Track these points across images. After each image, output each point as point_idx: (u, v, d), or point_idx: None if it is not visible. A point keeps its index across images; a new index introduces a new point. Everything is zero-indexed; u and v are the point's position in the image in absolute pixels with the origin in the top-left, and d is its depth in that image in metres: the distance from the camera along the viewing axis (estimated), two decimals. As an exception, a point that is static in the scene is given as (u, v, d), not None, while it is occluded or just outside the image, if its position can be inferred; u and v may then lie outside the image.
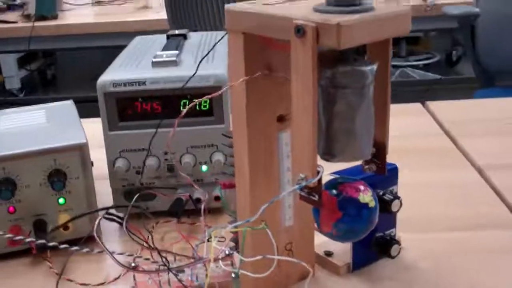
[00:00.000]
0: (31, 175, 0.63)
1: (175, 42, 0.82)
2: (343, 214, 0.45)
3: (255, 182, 0.49)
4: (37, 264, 0.64)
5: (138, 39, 0.89)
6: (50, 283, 0.60)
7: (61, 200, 0.65)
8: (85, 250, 0.55)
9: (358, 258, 0.54)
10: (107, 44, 2.67)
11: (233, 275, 0.55)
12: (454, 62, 3.87)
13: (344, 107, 0.42)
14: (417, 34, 3.85)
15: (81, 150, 0.64)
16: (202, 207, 0.64)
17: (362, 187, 0.45)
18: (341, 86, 0.41)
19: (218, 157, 0.69)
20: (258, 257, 0.45)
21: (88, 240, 0.66)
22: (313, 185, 0.42)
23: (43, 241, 0.57)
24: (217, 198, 0.70)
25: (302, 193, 0.43)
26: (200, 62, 0.62)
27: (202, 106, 0.69)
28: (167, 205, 0.71)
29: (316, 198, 0.42)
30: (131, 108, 0.68)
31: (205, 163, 0.70)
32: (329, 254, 0.57)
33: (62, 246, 0.56)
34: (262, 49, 0.47)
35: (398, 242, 0.54)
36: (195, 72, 0.63)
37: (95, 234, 0.53)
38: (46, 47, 2.95)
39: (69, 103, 0.79)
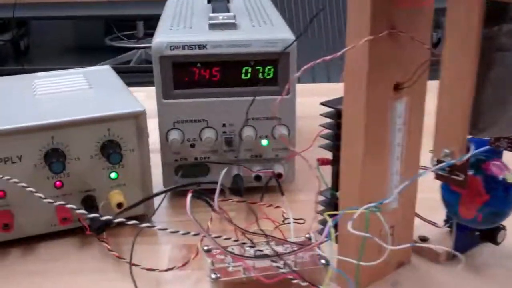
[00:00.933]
0: (82, 146, 0.57)
1: (222, 4, 0.75)
2: (490, 196, 0.39)
3: (367, 159, 0.44)
4: (88, 245, 0.57)
5: (172, 2, 0.82)
6: (108, 266, 0.54)
7: (113, 175, 0.59)
8: (157, 227, 0.49)
9: (459, 244, 0.49)
10: (82, 14, 2.54)
11: (323, 261, 0.49)
12: None
13: (502, 72, 0.36)
14: None
15: (138, 119, 0.58)
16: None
17: (502, 165, 0.40)
18: (502, 48, 0.36)
19: (282, 130, 0.63)
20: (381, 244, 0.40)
21: (139, 219, 0.60)
22: (460, 162, 0.37)
23: (109, 217, 0.50)
24: (279, 175, 0.64)
25: (441, 172, 0.38)
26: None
27: (265, 74, 0.62)
28: (225, 181, 0.65)
29: (461, 177, 0.37)
30: (188, 74, 0.62)
31: (266, 137, 0.64)
32: (424, 239, 0.52)
33: (131, 222, 0.49)
34: (389, 5, 0.41)
35: (504, 227, 0.50)
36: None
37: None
38: (19, 15, 2.81)
39: (108, 68, 0.72)
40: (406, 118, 0.45)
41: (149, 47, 3.40)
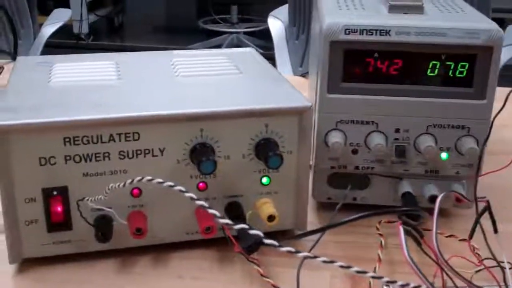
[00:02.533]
0: (234, 143, 0.47)
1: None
2: None
3: None
4: (229, 262, 0.48)
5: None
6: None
7: (265, 180, 0.49)
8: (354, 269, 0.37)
9: None
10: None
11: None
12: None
13: None
14: None
15: (303, 115, 0.47)
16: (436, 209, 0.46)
17: None
18: None
19: (470, 143, 0.51)
20: None
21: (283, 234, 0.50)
22: None
23: (273, 241, 0.39)
24: (458, 199, 0.52)
25: None
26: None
27: (457, 72, 0.50)
28: (384, 198, 0.54)
29: None
30: (362, 65, 0.51)
31: (448, 149, 0.52)
32: None
33: (301, 254, 0.38)
34: None
35: None
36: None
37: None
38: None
39: (253, 52, 0.62)
40: None
41: (240, 33, 3.35)
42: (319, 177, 0.54)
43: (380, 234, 0.50)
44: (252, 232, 0.42)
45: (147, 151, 0.45)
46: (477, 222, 0.41)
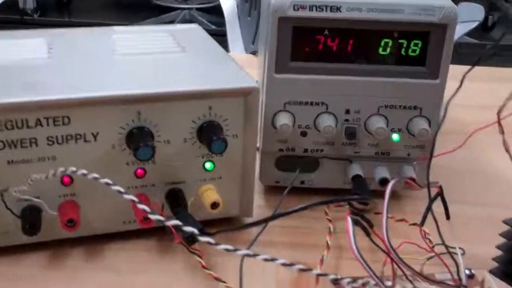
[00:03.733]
0: (174, 127, 0.43)
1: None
2: None
3: None
4: (171, 253, 0.45)
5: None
6: (201, 286, 0.41)
7: (208, 165, 0.46)
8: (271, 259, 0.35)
9: None
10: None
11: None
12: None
13: None
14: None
15: (249, 97, 0.44)
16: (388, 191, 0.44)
17: None
18: None
19: (422, 124, 0.49)
20: None
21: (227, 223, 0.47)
22: None
23: (209, 239, 0.36)
24: (412, 179, 0.50)
25: None
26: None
27: (410, 51, 0.48)
28: (334, 181, 0.52)
29: None
30: (311, 44, 0.48)
31: (399, 130, 0.50)
32: None
33: (242, 252, 0.35)
34: None
35: None
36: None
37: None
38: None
39: (198, 28, 0.58)
40: None
41: (193, 9, 3.29)
42: (266, 160, 0.52)
43: (329, 220, 0.48)
44: (185, 228, 0.38)
45: (78, 136, 0.41)
46: (428, 209, 0.39)
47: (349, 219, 0.32)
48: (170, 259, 0.44)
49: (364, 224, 0.33)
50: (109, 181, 0.38)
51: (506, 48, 2.75)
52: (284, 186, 0.50)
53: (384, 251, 0.33)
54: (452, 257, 0.39)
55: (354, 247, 0.30)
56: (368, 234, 0.34)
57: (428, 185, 0.38)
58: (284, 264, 0.34)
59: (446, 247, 0.40)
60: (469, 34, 2.95)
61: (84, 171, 0.38)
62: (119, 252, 0.45)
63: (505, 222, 0.37)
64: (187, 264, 0.43)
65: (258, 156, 0.52)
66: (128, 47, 0.51)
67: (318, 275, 0.34)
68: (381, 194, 0.51)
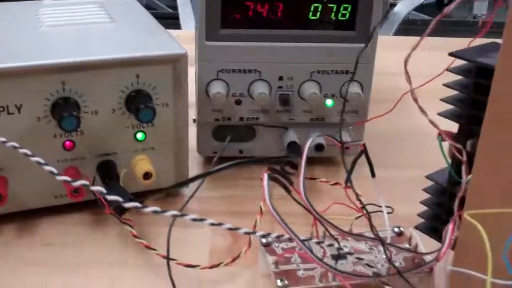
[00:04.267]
0: (101, 96, 0.43)
1: None
2: None
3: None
4: (103, 226, 0.44)
5: None
6: (130, 257, 0.41)
7: (139, 135, 0.45)
8: (200, 219, 0.35)
9: None
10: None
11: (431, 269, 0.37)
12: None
13: None
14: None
15: (177, 64, 0.44)
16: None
17: None
18: None
19: (355, 89, 0.49)
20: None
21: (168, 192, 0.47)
22: None
23: (136, 204, 0.36)
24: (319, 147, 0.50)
25: None
26: None
27: (339, 15, 0.48)
28: (271, 149, 0.52)
29: None
30: (240, 10, 0.47)
31: (333, 96, 0.50)
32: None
33: (169, 213, 0.35)
34: None
35: None
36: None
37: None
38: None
39: (134, 2, 0.58)
40: None
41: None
42: (203, 131, 0.52)
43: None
44: (110, 197, 0.37)
45: (1, 109, 0.40)
46: (353, 165, 0.39)
47: (265, 175, 0.32)
48: (102, 231, 0.44)
49: (284, 181, 0.33)
50: (28, 152, 0.37)
51: (459, 23, 2.79)
52: (223, 157, 0.49)
53: (305, 208, 0.33)
54: (369, 216, 0.39)
55: (268, 201, 0.30)
56: (288, 191, 0.34)
57: (352, 143, 0.38)
58: (212, 224, 0.34)
59: (368, 205, 0.40)
60: (425, 11, 2.98)
61: (3, 139, 0.37)
62: (51, 227, 0.44)
63: (428, 177, 0.37)
64: (120, 234, 0.43)
65: (195, 127, 0.52)
66: (55, 19, 0.50)
67: (246, 233, 0.34)
68: (317, 161, 0.53)
